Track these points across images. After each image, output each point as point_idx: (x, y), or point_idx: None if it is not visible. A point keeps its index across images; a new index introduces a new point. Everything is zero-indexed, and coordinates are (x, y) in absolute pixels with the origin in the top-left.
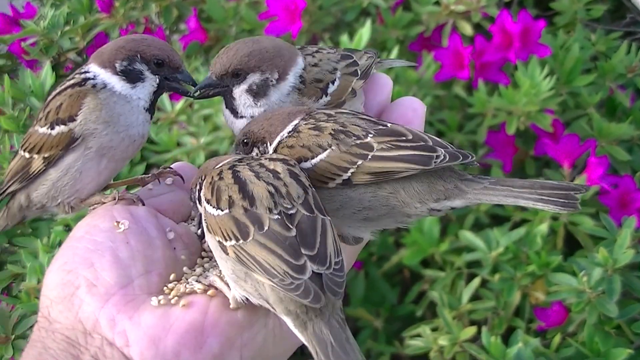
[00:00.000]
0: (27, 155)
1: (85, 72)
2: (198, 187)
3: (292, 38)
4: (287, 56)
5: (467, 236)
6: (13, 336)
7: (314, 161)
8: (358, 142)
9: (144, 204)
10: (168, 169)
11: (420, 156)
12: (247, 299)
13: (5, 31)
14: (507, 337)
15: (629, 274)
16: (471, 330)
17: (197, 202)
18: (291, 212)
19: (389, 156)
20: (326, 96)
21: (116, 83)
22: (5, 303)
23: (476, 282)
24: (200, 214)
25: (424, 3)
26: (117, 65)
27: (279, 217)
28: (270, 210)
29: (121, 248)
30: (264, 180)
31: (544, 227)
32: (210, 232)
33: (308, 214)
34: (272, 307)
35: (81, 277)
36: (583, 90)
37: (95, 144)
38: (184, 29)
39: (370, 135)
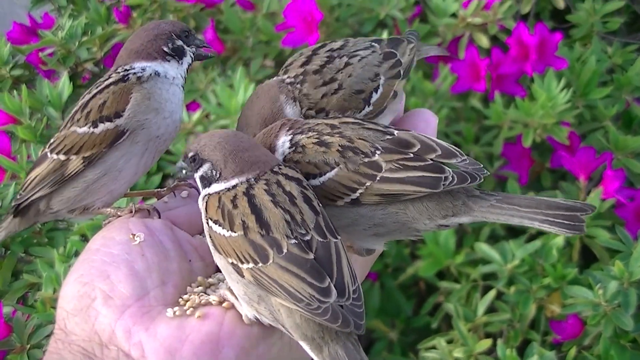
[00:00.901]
0: (61, 157)
1: (128, 69)
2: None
3: None
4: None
5: (483, 248)
6: (28, 345)
7: (321, 179)
8: (366, 160)
9: (160, 215)
10: (183, 181)
11: (430, 178)
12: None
13: (23, 41)
14: (522, 350)
15: None
16: (486, 343)
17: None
18: (307, 238)
19: (398, 178)
20: (369, 106)
21: (168, 68)
22: (21, 312)
23: (492, 294)
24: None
25: (441, 15)
26: (165, 49)
27: (296, 241)
28: (287, 237)
29: (137, 260)
30: (281, 207)
31: (559, 240)
32: (220, 253)
33: (321, 239)
34: (289, 332)
35: (97, 289)
36: (599, 102)
37: (144, 136)
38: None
39: (378, 152)
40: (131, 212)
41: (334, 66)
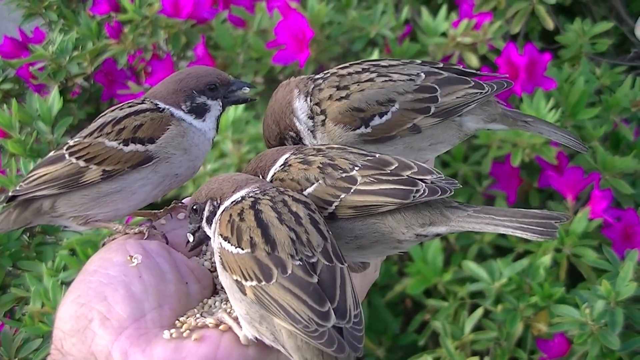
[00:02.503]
0: (81, 163)
1: (156, 104)
2: (209, 212)
3: (300, 67)
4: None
5: (471, 267)
6: (16, 359)
7: (303, 194)
8: (343, 175)
9: (167, 241)
10: (180, 204)
11: (401, 190)
12: (257, 338)
13: (14, 55)
14: None
15: (631, 306)
16: None
17: (205, 224)
18: (312, 260)
19: (370, 190)
20: (366, 127)
21: (191, 120)
22: (9, 326)
23: (479, 312)
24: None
25: (431, 34)
26: (183, 107)
27: (301, 263)
28: (292, 257)
29: (134, 282)
30: (286, 225)
31: (547, 259)
32: (226, 270)
33: (327, 263)
34: (289, 353)
35: (94, 310)
36: (587, 123)
37: (165, 169)
38: (191, 56)
39: (356, 168)
40: (142, 233)
41: (358, 77)
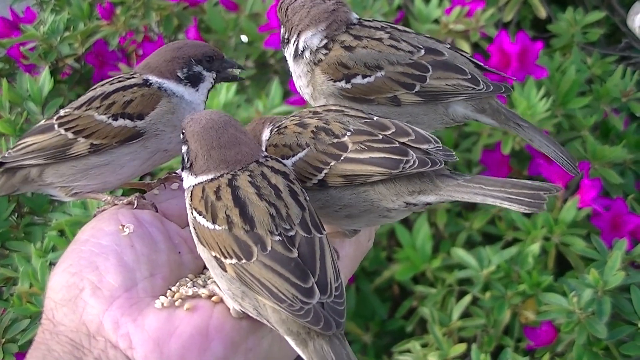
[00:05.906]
0: (69, 135)
1: (146, 79)
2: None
3: None
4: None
5: (460, 254)
6: (4, 340)
7: (293, 159)
8: (334, 141)
9: (157, 210)
10: (174, 174)
11: (390, 160)
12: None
13: (5, 35)
14: (496, 355)
15: (618, 295)
16: (461, 347)
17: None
18: (290, 233)
19: (360, 158)
20: (346, 83)
21: (183, 91)
22: None
23: (467, 299)
24: None
25: (424, 21)
26: (179, 74)
27: (280, 238)
28: (271, 233)
29: (126, 251)
30: (266, 200)
31: (535, 247)
32: (203, 245)
33: (306, 234)
34: (273, 327)
35: (86, 279)
36: (578, 112)
37: (154, 145)
38: (183, 39)
39: (348, 133)
40: (131, 203)
41: (372, 33)
